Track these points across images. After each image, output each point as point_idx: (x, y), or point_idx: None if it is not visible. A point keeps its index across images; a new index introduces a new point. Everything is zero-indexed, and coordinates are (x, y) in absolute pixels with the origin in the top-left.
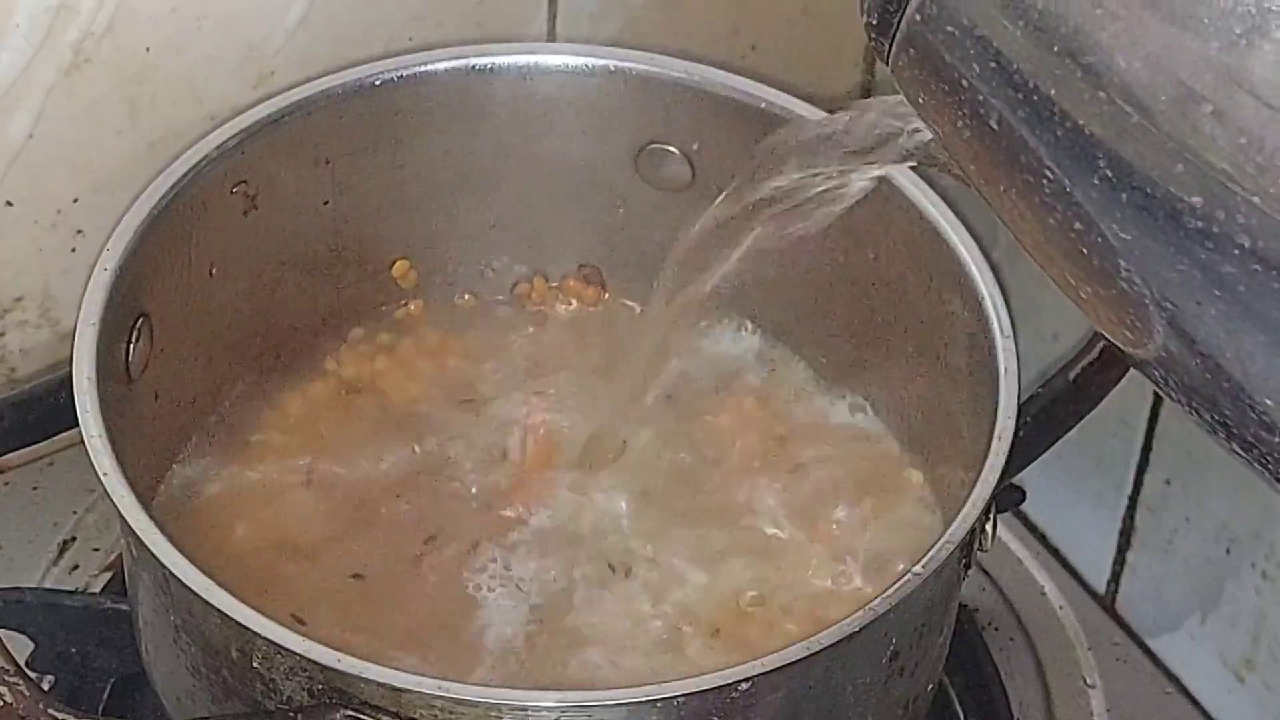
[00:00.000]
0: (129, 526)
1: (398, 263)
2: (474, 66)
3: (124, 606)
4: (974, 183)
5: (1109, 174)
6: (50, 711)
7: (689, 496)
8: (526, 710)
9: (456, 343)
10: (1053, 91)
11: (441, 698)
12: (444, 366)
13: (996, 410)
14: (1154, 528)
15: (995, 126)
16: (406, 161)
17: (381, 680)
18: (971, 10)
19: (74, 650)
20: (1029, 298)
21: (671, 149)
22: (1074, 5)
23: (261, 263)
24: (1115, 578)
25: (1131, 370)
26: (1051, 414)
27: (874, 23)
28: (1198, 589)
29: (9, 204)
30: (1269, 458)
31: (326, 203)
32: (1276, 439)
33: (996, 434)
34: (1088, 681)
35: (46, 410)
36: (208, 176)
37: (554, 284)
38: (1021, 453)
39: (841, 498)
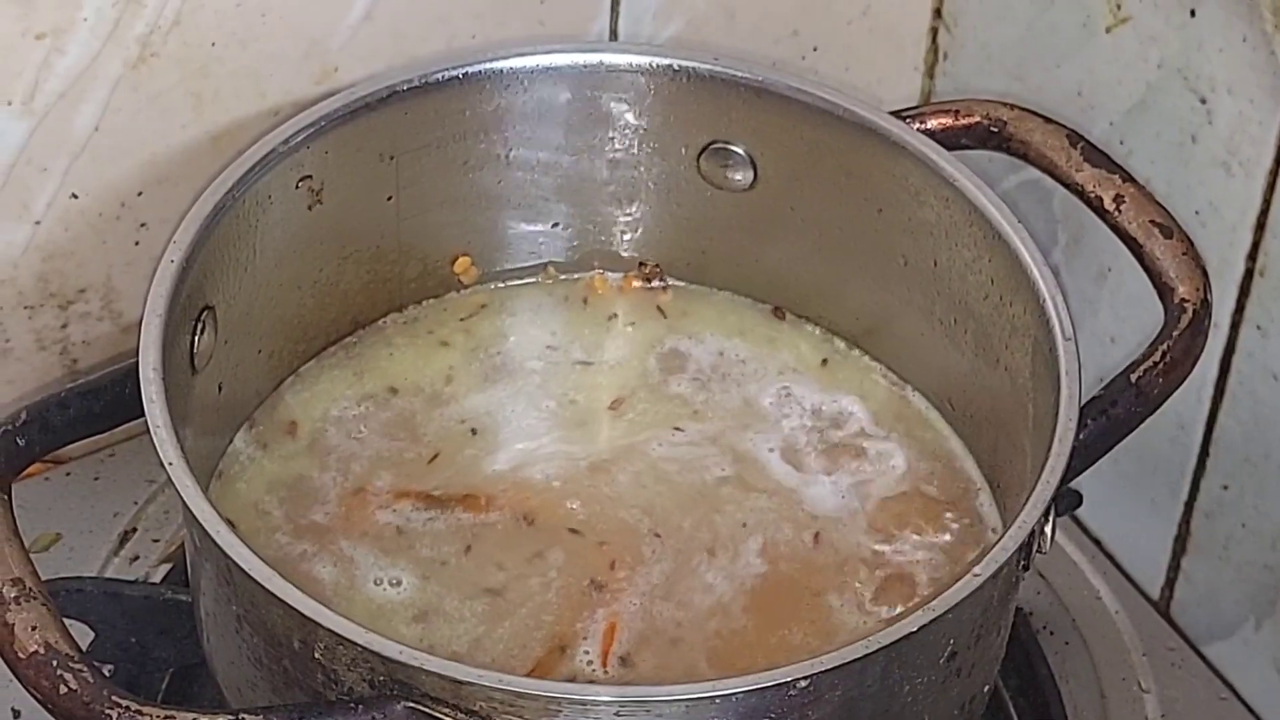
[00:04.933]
0: (193, 517)
1: (460, 259)
2: (538, 65)
3: (184, 597)
4: None
5: None
6: (114, 698)
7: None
8: (585, 705)
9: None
10: None
11: (502, 690)
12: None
13: (1057, 412)
14: (1209, 533)
15: None
16: (470, 158)
17: (443, 673)
18: None
19: (134, 640)
20: (1086, 301)
21: (734, 149)
22: None
23: (325, 257)
24: (1170, 583)
25: (1192, 375)
26: (1112, 417)
27: None
28: (1253, 595)
29: (74, 196)
30: None
31: (390, 198)
32: None
33: (1057, 436)
34: (1142, 686)
35: (111, 401)
36: (273, 171)
37: (615, 282)
38: (1081, 456)
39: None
